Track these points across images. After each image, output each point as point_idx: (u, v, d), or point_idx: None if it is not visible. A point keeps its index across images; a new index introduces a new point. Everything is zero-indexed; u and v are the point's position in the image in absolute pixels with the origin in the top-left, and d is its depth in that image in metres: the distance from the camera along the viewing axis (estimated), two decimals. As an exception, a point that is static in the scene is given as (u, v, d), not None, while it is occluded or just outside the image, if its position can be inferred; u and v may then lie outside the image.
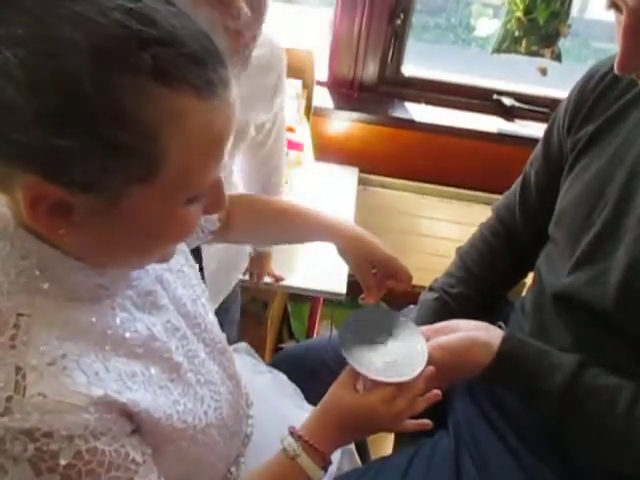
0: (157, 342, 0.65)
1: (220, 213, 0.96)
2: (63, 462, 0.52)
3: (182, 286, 0.76)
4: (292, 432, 0.76)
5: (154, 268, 0.71)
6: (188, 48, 0.49)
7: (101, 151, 0.48)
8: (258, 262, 1.57)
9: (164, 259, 0.66)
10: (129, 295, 0.65)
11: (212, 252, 1.26)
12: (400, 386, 0.77)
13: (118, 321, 0.62)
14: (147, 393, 0.61)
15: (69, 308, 0.58)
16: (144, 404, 0.59)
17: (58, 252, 0.57)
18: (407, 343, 0.83)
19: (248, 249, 1.53)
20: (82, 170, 0.48)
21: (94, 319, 0.59)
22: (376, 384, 0.77)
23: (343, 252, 0.95)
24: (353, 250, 0.94)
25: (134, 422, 0.59)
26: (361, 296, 0.94)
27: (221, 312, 1.39)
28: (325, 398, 0.79)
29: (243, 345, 1.14)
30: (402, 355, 0.81)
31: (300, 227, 0.99)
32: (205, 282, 0.85)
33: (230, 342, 1.34)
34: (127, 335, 0.62)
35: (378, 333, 0.84)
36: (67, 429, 0.52)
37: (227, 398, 0.77)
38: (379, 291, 0.94)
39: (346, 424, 0.76)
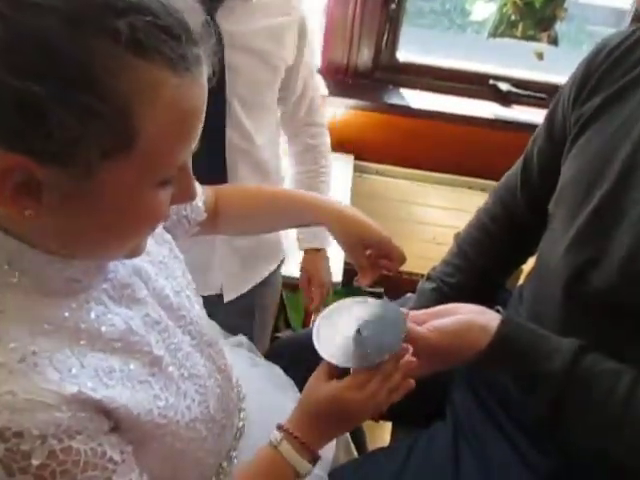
0: (135, 336, 0.64)
1: (207, 204, 0.94)
2: (35, 462, 0.51)
3: (164, 277, 0.75)
4: (278, 425, 0.75)
5: (132, 260, 0.69)
6: (164, 20, 0.49)
7: (72, 116, 0.47)
8: (312, 261, 1.50)
9: (134, 253, 0.64)
10: (104, 288, 0.64)
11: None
12: (371, 370, 0.74)
13: (93, 315, 0.60)
14: (125, 389, 0.59)
15: (41, 303, 0.57)
16: (122, 400, 0.58)
17: (25, 245, 0.56)
18: (385, 329, 0.80)
19: (279, 238, 1.48)
20: (52, 136, 0.47)
21: (67, 314, 0.58)
22: (348, 372, 0.76)
23: (335, 233, 0.94)
24: (345, 231, 0.92)
25: (112, 419, 0.58)
26: (355, 278, 0.92)
27: (244, 302, 1.40)
28: (304, 391, 0.77)
29: (243, 339, 1.13)
30: (377, 341, 0.78)
31: (291, 211, 0.98)
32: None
33: (257, 336, 1.34)
34: (103, 329, 0.60)
35: (357, 321, 0.81)
36: (39, 428, 0.50)
37: (215, 391, 0.76)
38: (373, 272, 0.92)
39: (324, 415, 0.75)
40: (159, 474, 0.66)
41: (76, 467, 0.53)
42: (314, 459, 0.74)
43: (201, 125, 0.56)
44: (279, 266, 1.52)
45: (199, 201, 0.92)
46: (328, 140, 1.50)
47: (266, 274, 1.46)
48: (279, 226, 1.08)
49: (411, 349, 0.78)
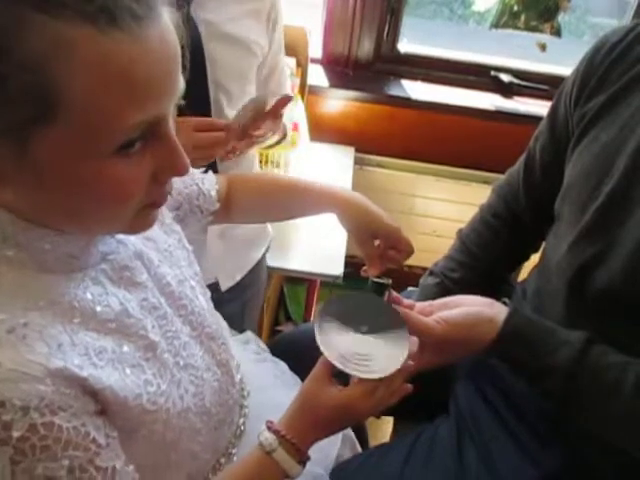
0: (131, 319, 0.63)
1: (219, 194, 0.94)
2: (16, 434, 0.50)
3: (168, 265, 0.74)
4: (269, 427, 0.73)
5: (134, 242, 0.68)
6: None
7: None
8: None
9: (135, 229, 0.62)
10: (103, 269, 0.63)
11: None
12: (380, 379, 0.74)
13: (89, 295, 0.60)
14: (115, 371, 0.59)
15: (37, 279, 0.56)
16: (108, 381, 0.57)
17: (19, 219, 0.55)
18: (389, 332, 0.79)
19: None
20: None
21: (62, 291, 0.57)
22: (355, 379, 0.75)
23: (344, 222, 0.93)
24: (354, 220, 0.91)
25: (99, 402, 0.57)
26: (363, 268, 0.91)
27: (237, 291, 1.39)
28: (302, 392, 0.76)
29: (251, 335, 1.12)
30: (383, 346, 0.77)
31: (300, 199, 0.97)
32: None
33: (247, 325, 1.33)
34: (98, 309, 0.60)
35: (358, 321, 0.79)
36: (21, 399, 0.50)
37: (212, 385, 0.75)
38: (381, 263, 0.91)
39: (324, 419, 0.74)
40: (151, 466, 0.66)
41: (57, 444, 0.53)
42: (304, 461, 0.73)
43: (161, 88, 0.52)
44: (264, 253, 1.52)
45: (212, 190, 0.92)
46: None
47: (256, 259, 1.46)
48: (289, 215, 1.07)
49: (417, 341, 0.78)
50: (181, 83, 0.55)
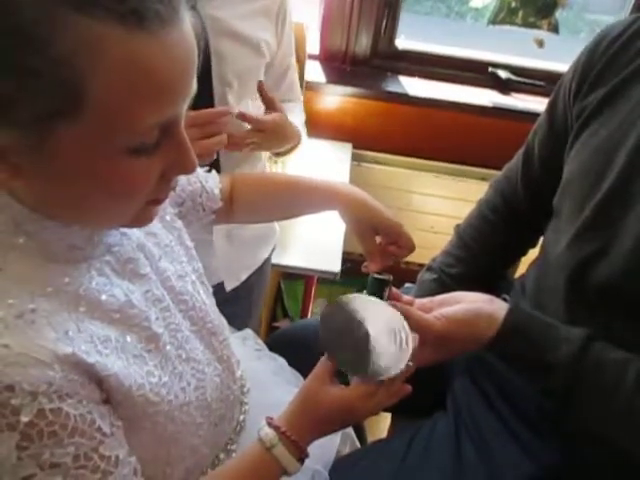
0: (134, 309, 0.64)
1: (222, 192, 0.93)
2: (24, 419, 0.50)
3: (169, 261, 0.74)
4: (269, 422, 0.74)
5: (137, 235, 0.69)
6: None
7: (10, 74, 0.46)
8: None
9: (137, 223, 0.63)
10: (107, 260, 0.64)
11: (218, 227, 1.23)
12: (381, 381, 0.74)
13: (94, 284, 0.61)
14: (118, 360, 0.60)
15: (44, 267, 0.57)
16: (113, 369, 0.58)
17: (26, 209, 0.56)
18: (391, 334, 0.78)
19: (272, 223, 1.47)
20: None
21: (67, 279, 0.58)
22: (356, 380, 0.75)
23: (346, 218, 0.93)
24: (355, 215, 0.92)
25: (104, 390, 0.58)
26: (364, 264, 0.91)
27: (244, 290, 1.39)
28: (303, 390, 0.76)
29: (249, 332, 1.12)
30: (385, 348, 0.77)
31: (304, 198, 0.97)
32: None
33: (251, 324, 1.33)
34: (103, 298, 0.60)
35: (360, 323, 0.79)
36: (30, 384, 0.50)
37: (213, 380, 0.75)
38: (383, 259, 0.91)
39: (324, 418, 0.74)
40: (152, 459, 0.66)
41: (64, 430, 0.53)
42: (303, 458, 0.73)
43: (180, 90, 0.53)
44: (271, 252, 1.51)
45: (215, 189, 0.93)
46: (303, 116, 1.45)
47: (263, 259, 1.46)
48: (291, 214, 1.07)
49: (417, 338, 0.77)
50: (195, 83, 0.56)
